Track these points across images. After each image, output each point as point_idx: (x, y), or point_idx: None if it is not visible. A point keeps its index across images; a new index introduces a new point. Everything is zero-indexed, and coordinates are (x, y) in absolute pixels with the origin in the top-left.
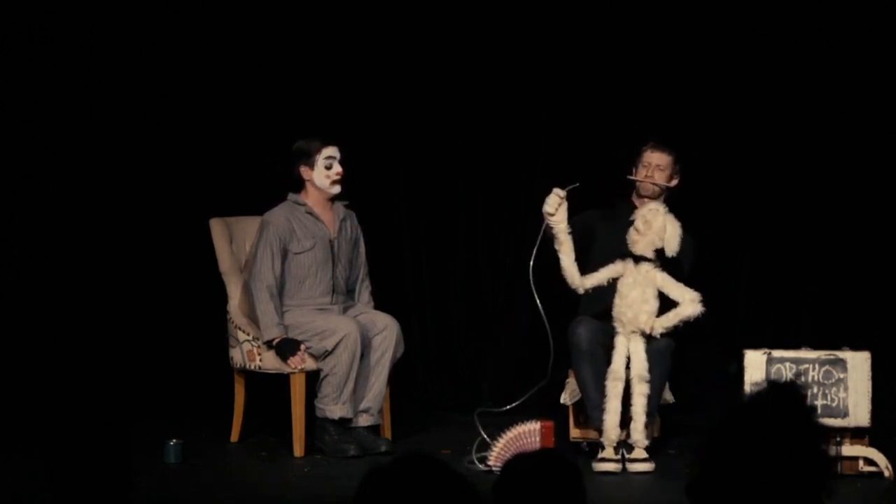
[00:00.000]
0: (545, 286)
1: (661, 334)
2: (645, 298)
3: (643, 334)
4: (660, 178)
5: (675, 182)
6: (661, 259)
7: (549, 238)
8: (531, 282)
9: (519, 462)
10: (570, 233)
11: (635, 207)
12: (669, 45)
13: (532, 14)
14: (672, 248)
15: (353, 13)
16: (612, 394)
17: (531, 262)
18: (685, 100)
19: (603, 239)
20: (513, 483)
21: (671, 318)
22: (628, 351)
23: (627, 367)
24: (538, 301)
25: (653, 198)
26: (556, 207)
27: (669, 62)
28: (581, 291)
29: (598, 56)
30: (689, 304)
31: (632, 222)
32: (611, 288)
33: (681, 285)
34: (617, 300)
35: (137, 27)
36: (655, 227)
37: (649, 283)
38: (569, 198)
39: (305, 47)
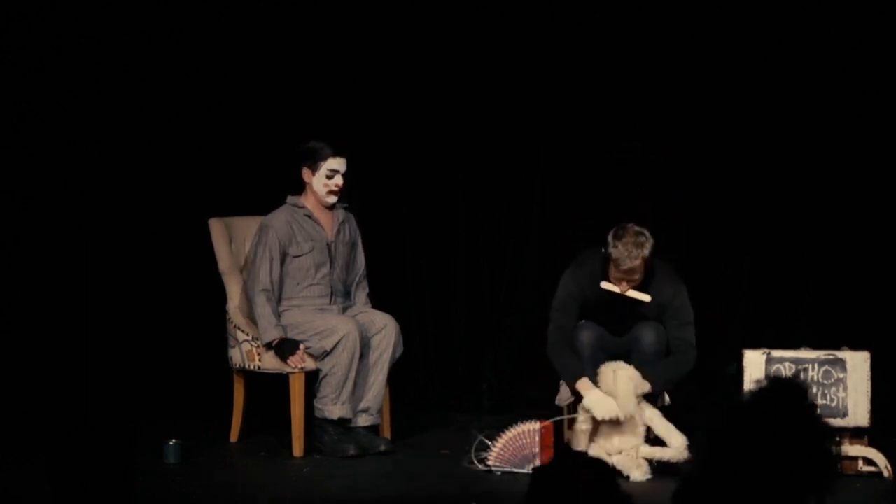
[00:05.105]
0: (549, 285)
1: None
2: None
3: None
4: (638, 279)
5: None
6: (657, 310)
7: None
8: None
9: (551, 469)
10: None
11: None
12: (670, 46)
13: (532, 15)
14: (627, 410)
15: (355, 14)
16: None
17: None
18: (686, 101)
19: (595, 316)
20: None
21: (655, 454)
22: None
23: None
24: None
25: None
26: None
27: (670, 62)
28: None
29: (597, 56)
30: (677, 451)
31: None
32: (612, 300)
33: (671, 427)
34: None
35: (139, 27)
36: (620, 397)
37: (644, 422)
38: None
39: (306, 48)
